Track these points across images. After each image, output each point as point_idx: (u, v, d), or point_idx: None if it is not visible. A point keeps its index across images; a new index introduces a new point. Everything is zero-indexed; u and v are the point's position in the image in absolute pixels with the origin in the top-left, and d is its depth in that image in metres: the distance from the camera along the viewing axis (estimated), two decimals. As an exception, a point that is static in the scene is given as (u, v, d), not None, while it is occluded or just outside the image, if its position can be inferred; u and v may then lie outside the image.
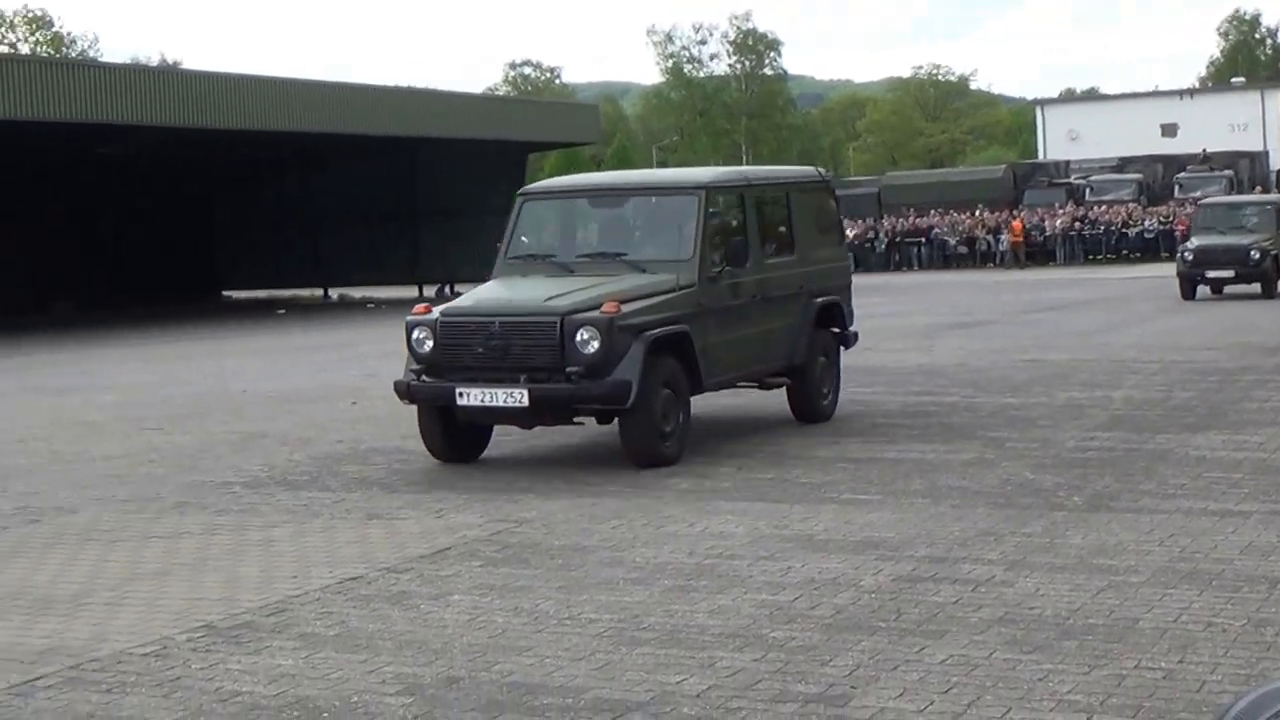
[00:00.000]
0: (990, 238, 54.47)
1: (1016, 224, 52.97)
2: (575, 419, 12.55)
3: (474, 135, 49.01)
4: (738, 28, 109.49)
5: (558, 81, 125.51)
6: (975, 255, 54.47)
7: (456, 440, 12.77)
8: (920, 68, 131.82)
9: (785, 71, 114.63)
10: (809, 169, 16.43)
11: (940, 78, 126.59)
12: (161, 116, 39.37)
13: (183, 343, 30.89)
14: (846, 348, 15.30)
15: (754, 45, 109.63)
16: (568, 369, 11.75)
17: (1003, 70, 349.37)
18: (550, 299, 12.14)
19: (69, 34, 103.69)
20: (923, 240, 55.79)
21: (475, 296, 12.99)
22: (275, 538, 10.05)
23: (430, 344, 12.33)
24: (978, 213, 56.12)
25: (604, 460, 12.71)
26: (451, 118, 48.86)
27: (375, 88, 50.13)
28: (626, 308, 11.97)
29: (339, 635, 7.50)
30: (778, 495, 10.81)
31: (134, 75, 42.96)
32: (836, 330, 15.02)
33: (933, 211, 57.73)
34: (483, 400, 11.95)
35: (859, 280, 18.41)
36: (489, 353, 12.05)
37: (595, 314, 11.86)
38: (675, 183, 14.14)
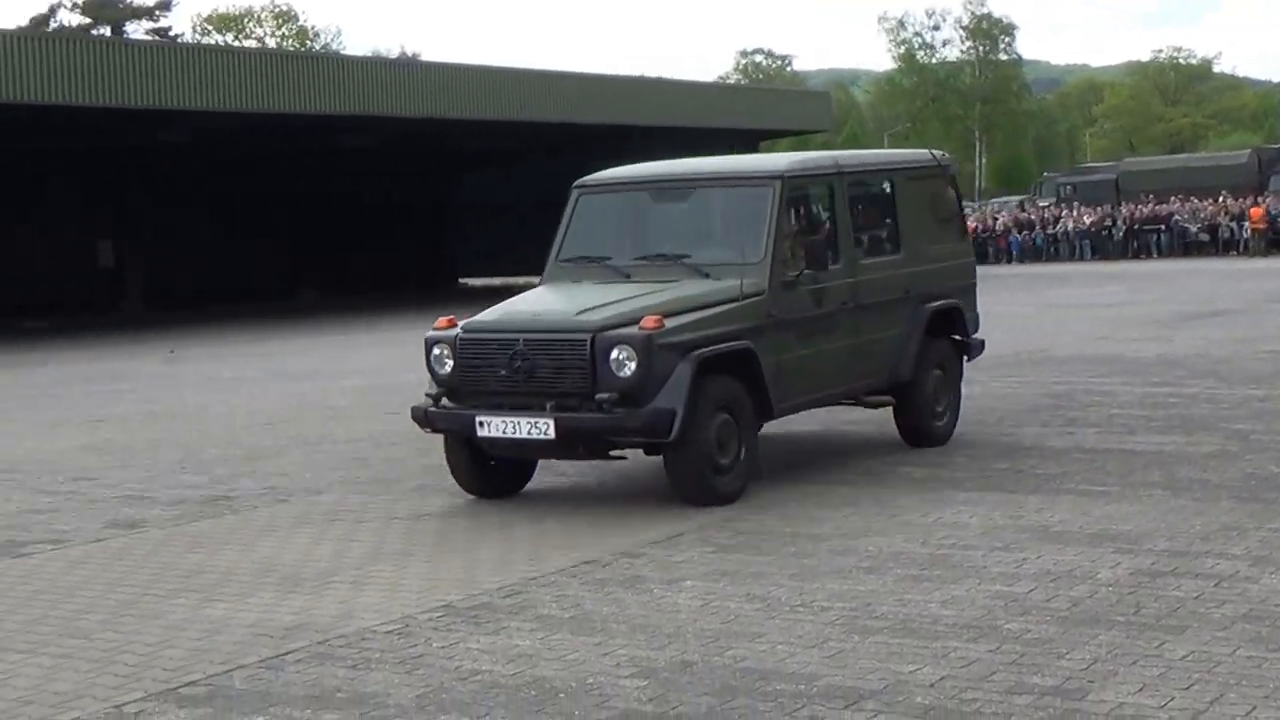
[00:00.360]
0: (1233, 225, 52.89)
1: (1256, 210, 51.34)
2: (612, 453, 10.63)
3: (706, 124, 49.11)
4: (971, 13, 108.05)
5: (789, 69, 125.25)
6: (1218, 242, 52.89)
7: (489, 473, 11.08)
8: (1160, 51, 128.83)
9: (1020, 56, 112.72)
10: (921, 152, 13.83)
11: (1181, 61, 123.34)
12: (401, 107, 40.26)
13: (420, 329, 31.54)
14: (969, 358, 13.33)
15: (988, 30, 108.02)
16: (597, 395, 10.00)
17: (1247, 53, 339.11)
18: (583, 312, 10.39)
19: (313, 28, 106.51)
20: (1162, 227, 54.40)
21: (504, 309, 11.09)
22: (512, 521, 10.25)
23: (450, 364, 10.68)
24: (1220, 199, 54.57)
25: (835, 447, 12.68)
26: (683, 106, 49.02)
27: (607, 77, 50.60)
28: (672, 322, 10.18)
29: (574, 618, 7.62)
30: (1012, 485, 10.69)
31: (374, 67, 43.98)
32: (956, 338, 13.06)
33: (1173, 198, 56.30)
34: (505, 431, 10.25)
35: (1095, 268, 17.93)
36: (513, 375, 10.31)
37: (631, 331, 10.08)
38: (747, 171, 11.82)
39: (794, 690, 6.30)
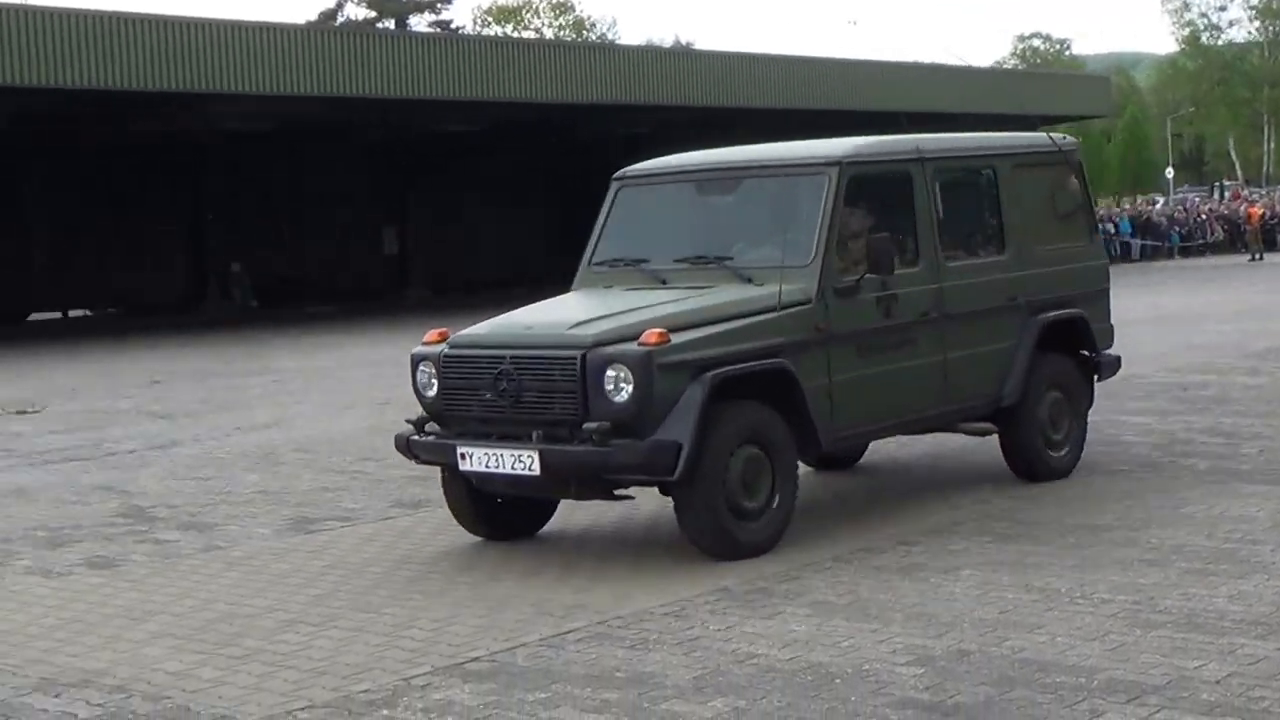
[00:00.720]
0: None
1: None
2: (618, 492, 9.06)
3: (979, 110, 48.41)
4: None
5: (1067, 53, 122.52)
6: None
7: (497, 511, 9.52)
8: None
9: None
10: (1037, 136, 11.81)
11: None
12: (674, 96, 40.52)
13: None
14: (1100, 378, 11.37)
15: (1279, 10, 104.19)
16: (585, 425, 8.44)
17: None
18: (579, 325, 8.85)
19: (589, 18, 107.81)
20: None
21: (500, 319, 9.57)
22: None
23: (435, 386, 9.23)
24: None
25: (1112, 439, 12.43)
26: (957, 92, 48.42)
27: (878, 63, 50.24)
28: (682, 336, 8.60)
29: (850, 604, 7.63)
30: (1303, 480, 10.35)
31: (652, 56, 44.39)
32: (1085, 353, 11.16)
33: None
34: (488, 464, 8.74)
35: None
36: (499, 399, 8.80)
37: (628, 347, 8.48)
38: (801, 158, 9.95)
39: (1074, 683, 6.21)
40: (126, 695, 6.66)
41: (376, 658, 7.05)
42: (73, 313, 47.54)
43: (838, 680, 6.41)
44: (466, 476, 9.08)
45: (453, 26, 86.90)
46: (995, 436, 10.73)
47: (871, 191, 9.87)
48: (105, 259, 45.50)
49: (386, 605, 8.07)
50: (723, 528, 8.61)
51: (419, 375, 9.28)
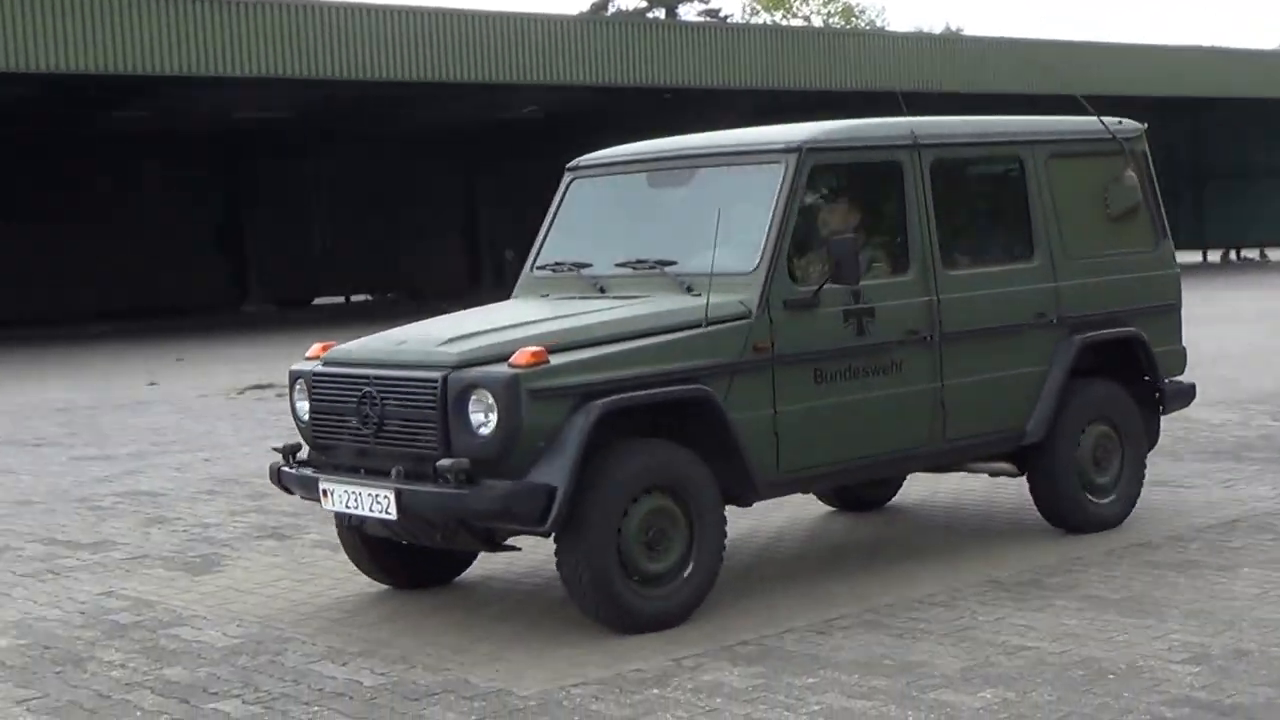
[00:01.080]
0: None
1: None
2: (503, 542, 7.69)
3: (1265, 94, 46.92)
4: None
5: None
6: None
7: (398, 554, 8.27)
8: None
9: None
10: (1085, 121, 9.46)
11: None
12: (954, 82, 39.94)
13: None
14: (1163, 410, 9.54)
15: None
16: (440, 463, 7.07)
17: None
18: (452, 340, 7.47)
19: (858, 4, 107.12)
20: None
21: (382, 334, 8.18)
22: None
23: (308, 408, 8.02)
24: None
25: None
26: (1240, 77, 46.93)
27: (1160, 48, 48.92)
28: (564, 357, 7.14)
29: (1124, 599, 7.51)
30: None
31: (918, 42, 44.01)
32: (1147, 380, 9.36)
33: None
34: (348, 503, 7.50)
35: None
36: (364, 427, 7.54)
37: (494, 370, 7.07)
38: (754, 145, 8.37)
39: (1360, 686, 6.04)
40: (409, 666, 6.90)
41: (647, 637, 7.17)
42: (354, 298, 49.16)
43: (1110, 675, 6.33)
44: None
45: (722, 15, 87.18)
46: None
47: (851, 185, 8.52)
48: (385, 246, 46.89)
49: (657, 587, 8.19)
50: (612, 593, 7.12)
51: (295, 395, 8.08)
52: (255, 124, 41.85)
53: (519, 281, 8.95)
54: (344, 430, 7.68)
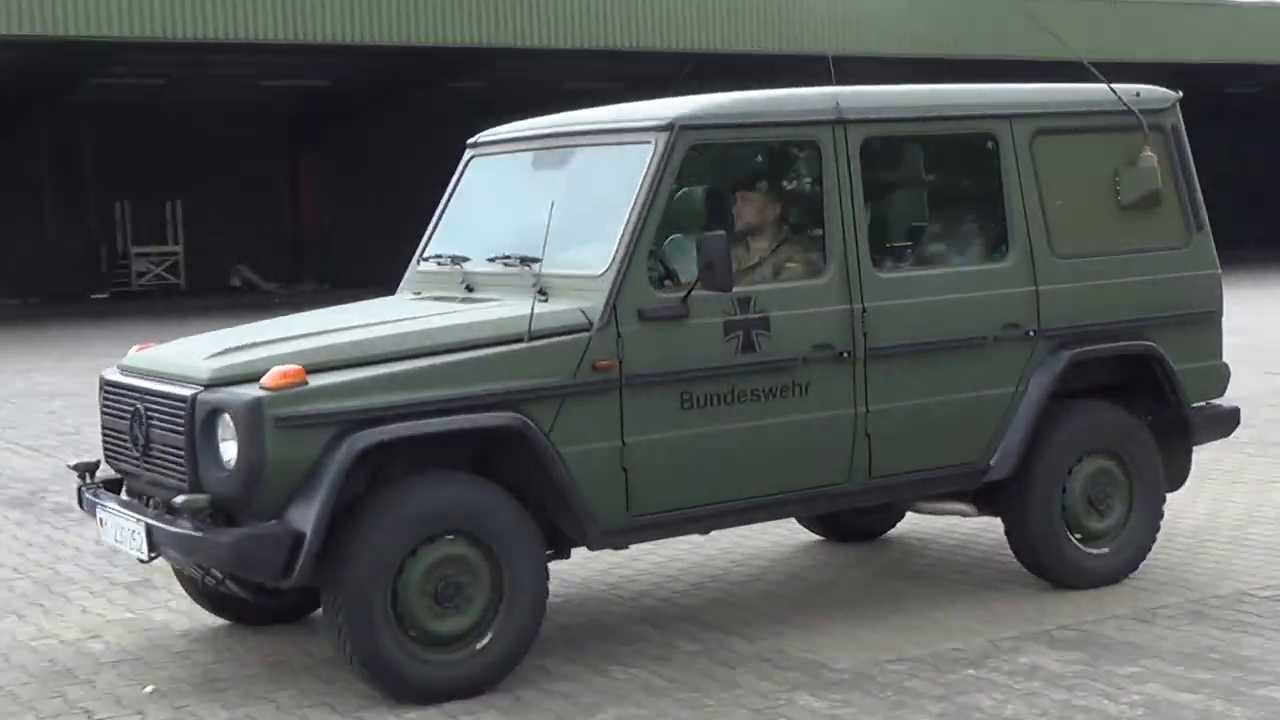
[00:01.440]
0: None
1: None
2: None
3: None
4: None
5: None
6: None
7: (219, 590, 6.89)
8: None
9: None
10: (1087, 90, 7.83)
11: None
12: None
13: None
14: (1192, 440, 7.94)
15: None
16: (174, 500, 6.08)
17: None
18: (218, 354, 6.38)
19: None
20: None
21: (189, 340, 7.14)
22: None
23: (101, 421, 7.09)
24: None
25: None
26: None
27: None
28: (328, 378, 6.01)
29: None
30: None
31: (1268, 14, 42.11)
32: (1169, 404, 7.76)
33: None
34: (114, 534, 6.53)
35: None
36: (135, 449, 6.57)
37: (240, 391, 5.98)
38: (627, 121, 6.99)
39: None
40: (725, 634, 7.00)
41: (965, 617, 7.12)
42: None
43: None
44: None
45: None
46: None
47: (746, 170, 7.31)
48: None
49: (977, 568, 8.13)
50: (377, 655, 6.00)
51: (102, 403, 7.05)
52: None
53: (405, 276, 7.75)
54: (124, 450, 6.73)
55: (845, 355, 6.84)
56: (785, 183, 7.38)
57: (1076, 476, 7.47)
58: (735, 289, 6.53)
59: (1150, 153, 7.66)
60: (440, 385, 6.11)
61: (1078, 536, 7.49)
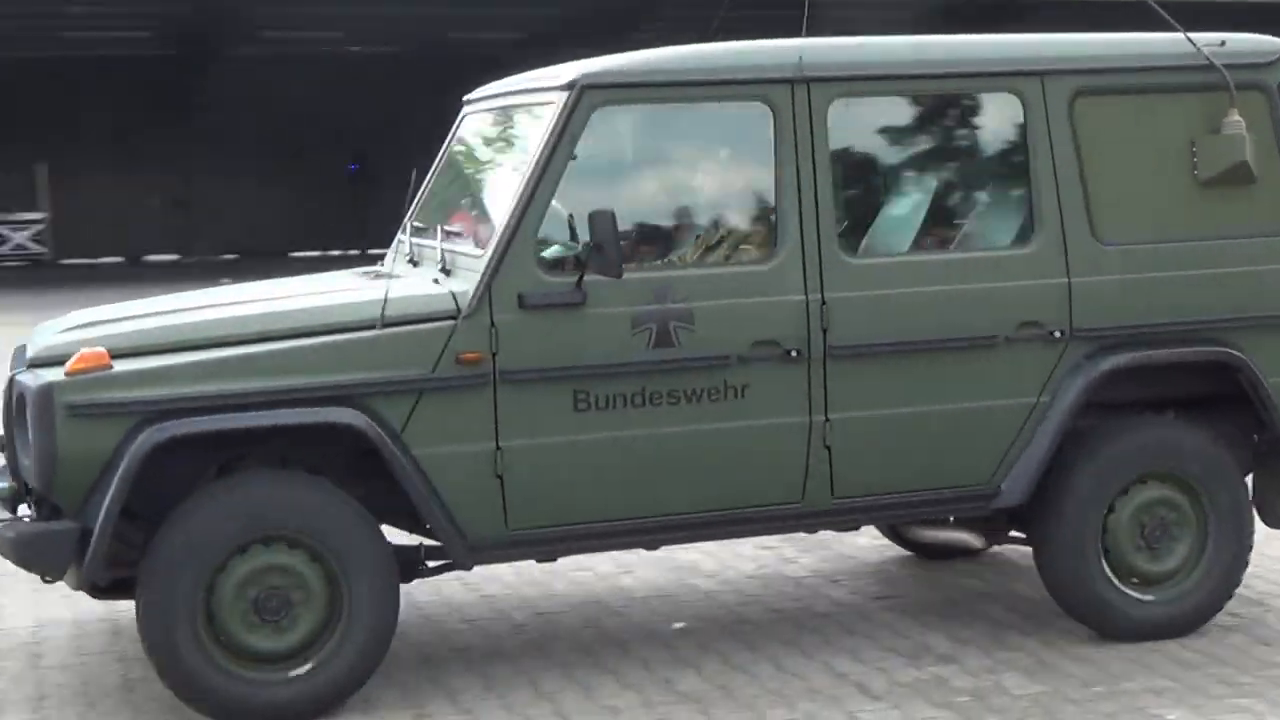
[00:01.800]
0: None
1: None
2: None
3: None
4: None
5: None
6: None
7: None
8: None
9: None
10: (1154, 40, 6.23)
11: None
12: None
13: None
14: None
15: None
16: None
17: None
18: (69, 329, 5.80)
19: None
20: None
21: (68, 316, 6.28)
22: None
23: None
24: None
25: None
26: None
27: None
28: (132, 364, 5.33)
29: None
30: None
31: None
32: (1266, 421, 6.18)
33: None
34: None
35: None
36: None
37: (41, 375, 5.37)
38: (535, 82, 6.12)
39: None
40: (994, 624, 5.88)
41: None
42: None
43: None
44: None
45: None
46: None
47: (673, 136, 6.09)
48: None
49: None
50: (180, 659, 5.27)
51: None
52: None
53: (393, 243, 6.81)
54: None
55: (796, 354, 5.71)
56: (725, 152, 6.20)
57: (1124, 506, 6.05)
58: (652, 274, 5.67)
59: (1238, 117, 6.11)
60: (261, 375, 5.36)
61: (1132, 580, 6.06)
